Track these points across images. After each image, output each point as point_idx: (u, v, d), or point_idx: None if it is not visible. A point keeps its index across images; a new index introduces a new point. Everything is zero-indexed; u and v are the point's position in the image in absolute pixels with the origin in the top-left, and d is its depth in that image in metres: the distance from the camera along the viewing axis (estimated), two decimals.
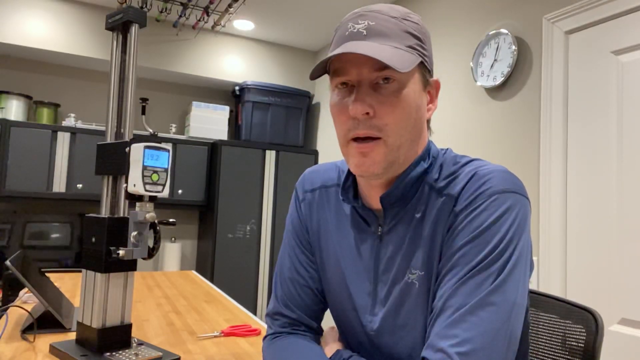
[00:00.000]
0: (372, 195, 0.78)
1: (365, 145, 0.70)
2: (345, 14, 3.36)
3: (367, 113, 0.69)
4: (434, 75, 0.78)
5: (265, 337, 0.88)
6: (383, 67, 0.68)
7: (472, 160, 0.75)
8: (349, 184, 0.81)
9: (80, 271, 2.28)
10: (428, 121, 0.79)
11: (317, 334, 0.87)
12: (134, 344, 1.06)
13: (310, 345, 0.82)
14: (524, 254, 0.66)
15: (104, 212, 1.07)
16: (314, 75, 0.73)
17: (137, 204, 1.02)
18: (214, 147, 3.63)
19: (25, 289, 1.57)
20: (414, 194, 0.75)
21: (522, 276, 0.65)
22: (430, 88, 0.77)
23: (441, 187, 0.73)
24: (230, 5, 3.08)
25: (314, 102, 4.09)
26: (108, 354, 0.99)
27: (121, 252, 0.99)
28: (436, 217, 0.71)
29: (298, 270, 0.87)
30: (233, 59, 3.79)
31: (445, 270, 0.68)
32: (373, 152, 0.70)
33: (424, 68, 0.74)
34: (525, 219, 0.68)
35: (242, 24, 3.59)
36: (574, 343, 0.90)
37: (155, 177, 1.01)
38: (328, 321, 0.95)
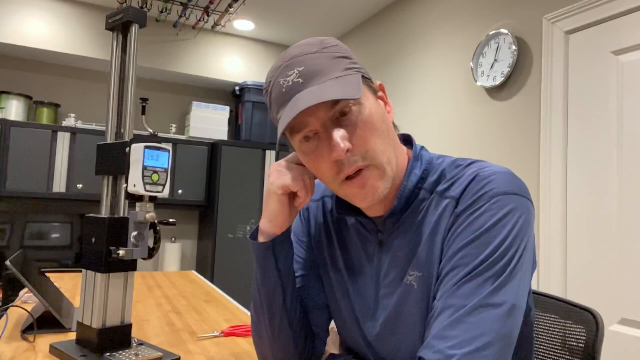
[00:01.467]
0: (371, 206, 0.77)
1: (359, 177, 0.69)
2: (345, 13, 3.36)
3: (348, 149, 0.67)
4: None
5: None
6: (336, 101, 0.67)
7: (474, 162, 0.74)
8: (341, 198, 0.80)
9: (80, 271, 2.28)
10: (392, 123, 0.79)
11: (319, 337, 0.87)
12: (134, 344, 1.05)
13: None
14: (525, 256, 0.66)
15: (104, 212, 1.07)
16: (281, 143, 0.71)
17: (137, 204, 1.02)
18: (214, 147, 3.63)
19: (25, 289, 1.57)
20: (413, 200, 0.75)
21: (523, 279, 0.65)
22: (380, 93, 0.76)
23: (442, 189, 0.72)
24: (230, 5, 3.08)
25: None
26: (108, 354, 0.99)
27: (121, 252, 0.99)
28: (437, 219, 0.71)
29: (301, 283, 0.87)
30: (233, 59, 3.79)
31: (445, 272, 0.67)
32: (370, 179, 0.69)
33: (366, 80, 0.73)
34: (528, 222, 0.67)
35: (242, 24, 3.59)
36: (574, 343, 0.90)
37: (155, 177, 1.01)
38: None
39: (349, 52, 0.73)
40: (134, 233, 1.01)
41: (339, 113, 0.68)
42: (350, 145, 0.67)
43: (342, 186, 0.71)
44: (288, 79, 0.68)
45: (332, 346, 0.85)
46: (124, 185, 1.03)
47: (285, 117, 0.66)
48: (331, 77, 0.67)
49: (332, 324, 0.90)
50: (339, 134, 0.67)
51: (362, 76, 0.71)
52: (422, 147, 0.79)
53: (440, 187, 0.73)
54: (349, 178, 0.69)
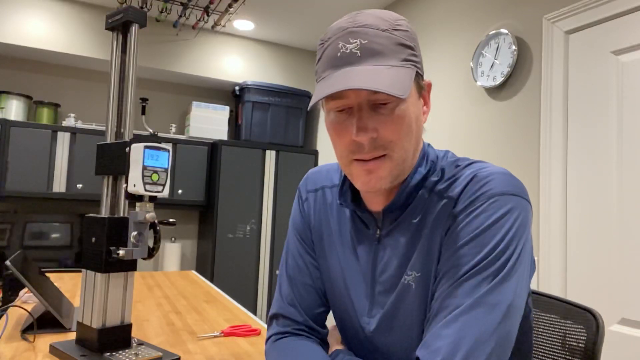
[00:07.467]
0: (372, 200, 0.78)
1: (370, 163, 0.69)
2: (345, 13, 3.36)
3: (372, 137, 0.67)
4: (427, 76, 0.77)
5: (268, 337, 0.87)
6: None
7: (473, 162, 0.74)
8: (347, 187, 0.81)
9: (80, 271, 2.28)
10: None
11: (320, 334, 0.87)
12: (134, 344, 1.05)
13: (313, 347, 0.81)
14: (523, 256, 0.66)
15: (104, 212, 1.07)
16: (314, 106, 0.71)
17: (137, 204, 1.02)
18: (214, 147, 3.63)
19: (25, 289, 1.57)
20: (414, 199, 0.75)
21: (520, 279, 0.65)
22: (424, 91, 0.75)
23: (441, 189, 0.73)
24: (230, 5, 3.08)
25: None
26: (108, 354, 0.99)
27: (121, 252, 0.99)
28: (435, 219, 0.71)
29: (302, 271, 0.87)
30: (233, 59, 3.79)
31: (442, 272, 0.68)
32: (379, 169, 0.69)
33: (418, 75, 0.72)
34: (525, 222, 0.67)
35: (242, 24, 3.59)
36: (574, 343, 0.90)
37: (155, 177, 1.01)
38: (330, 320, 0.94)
39: (415, 41, 0.72)
40: (134, 233, 1.01)
41: (379, 101, 0.68)
42: (376, 133, 0.67)
43: (351, 163, 0.71)
44: (348, 46, 0.67)
45: (335, 343, 0.85)
46: (124, 185, 1.03)
47: (330, 86, 0.66)
48: (388, 64, 0.67)
49: (333, 322, 0.90)
50: (370, 121, 0.67)
51: (416, 72, 0.70)
52: (429, 145, 0.79)
53: (438, 187, 0.73)
54: (362, 159, 0.70)
